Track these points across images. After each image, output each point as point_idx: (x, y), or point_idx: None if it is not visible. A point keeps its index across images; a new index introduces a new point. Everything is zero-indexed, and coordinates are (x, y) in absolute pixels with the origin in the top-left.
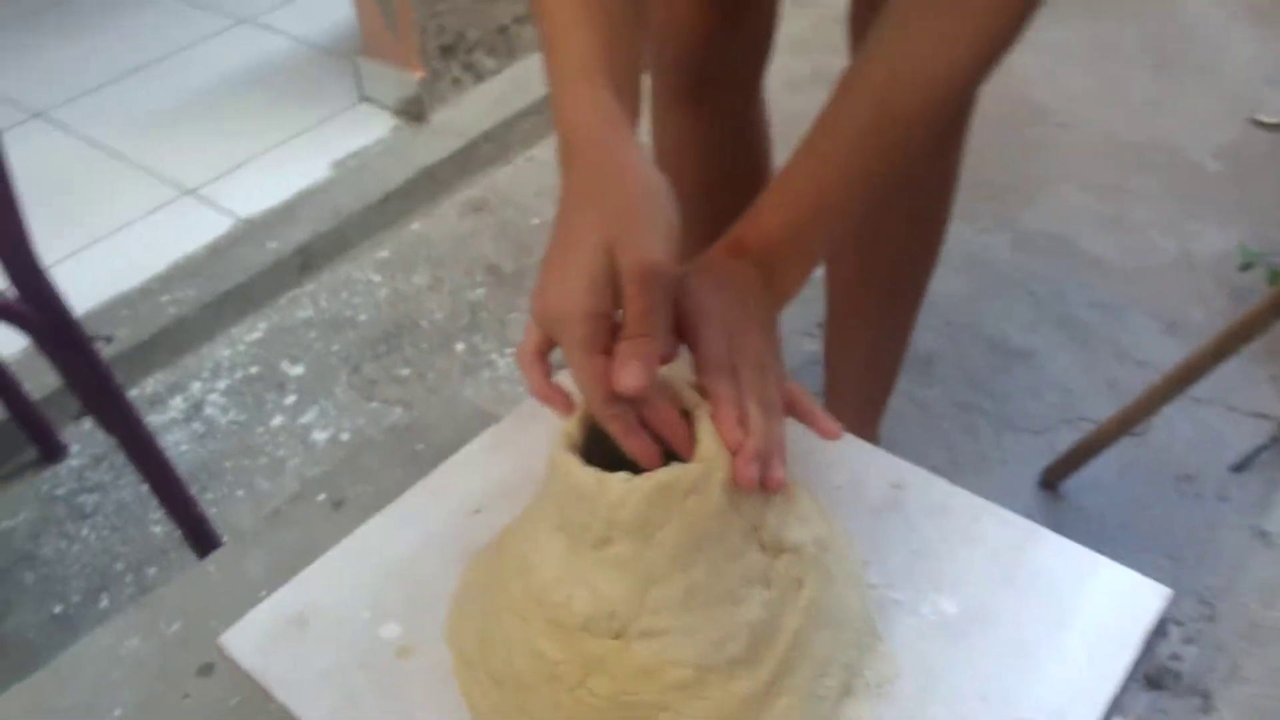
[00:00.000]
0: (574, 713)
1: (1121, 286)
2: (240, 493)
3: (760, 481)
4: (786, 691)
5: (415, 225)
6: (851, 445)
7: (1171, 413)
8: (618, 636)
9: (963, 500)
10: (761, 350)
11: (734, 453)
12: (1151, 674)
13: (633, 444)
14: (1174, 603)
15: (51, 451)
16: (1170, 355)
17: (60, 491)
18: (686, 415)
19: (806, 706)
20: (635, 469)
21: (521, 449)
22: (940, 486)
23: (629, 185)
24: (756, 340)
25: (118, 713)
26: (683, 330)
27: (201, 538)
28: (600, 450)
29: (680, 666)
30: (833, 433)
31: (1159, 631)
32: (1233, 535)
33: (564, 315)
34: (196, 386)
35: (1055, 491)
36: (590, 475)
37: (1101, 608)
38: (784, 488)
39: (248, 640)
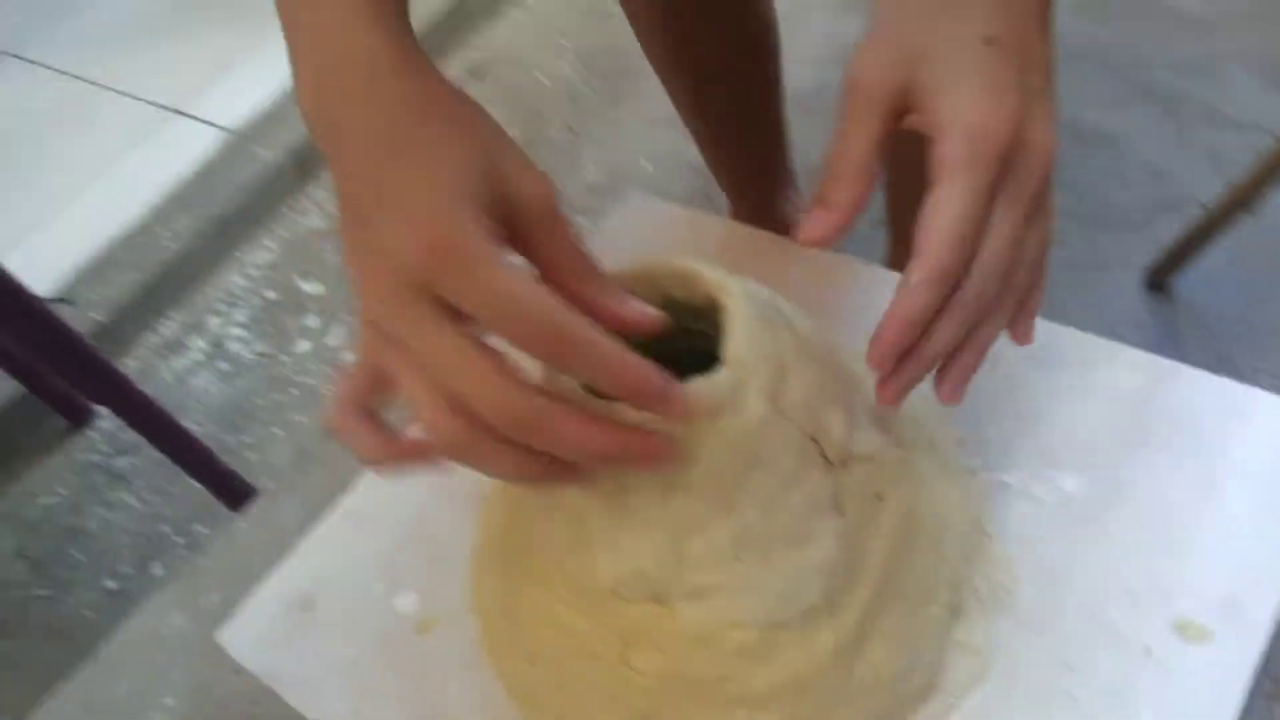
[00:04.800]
0: (618, 694)
1: (1209, 40)
2: (277, 430)
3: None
4: (881, 634)
5: None
6: None
7: None
8: (659, 601)
9: (1070, 340)
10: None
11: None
12: None
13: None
14: None
15: (78, 417)
16: (1278, 112)
17: (94, 458)
18: (711, 306)
19: (906, 644)
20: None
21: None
22: (1039, 326)
23: (469, 110)
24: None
25: (170, 701)
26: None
27: (235, 491)
28: None
29: (741, 629)
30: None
31: None
32: None
33: (454, 244)
34: (214, 322)
35: (1165, 292)
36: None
37: (1264, 457)
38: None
39: (248, 634)
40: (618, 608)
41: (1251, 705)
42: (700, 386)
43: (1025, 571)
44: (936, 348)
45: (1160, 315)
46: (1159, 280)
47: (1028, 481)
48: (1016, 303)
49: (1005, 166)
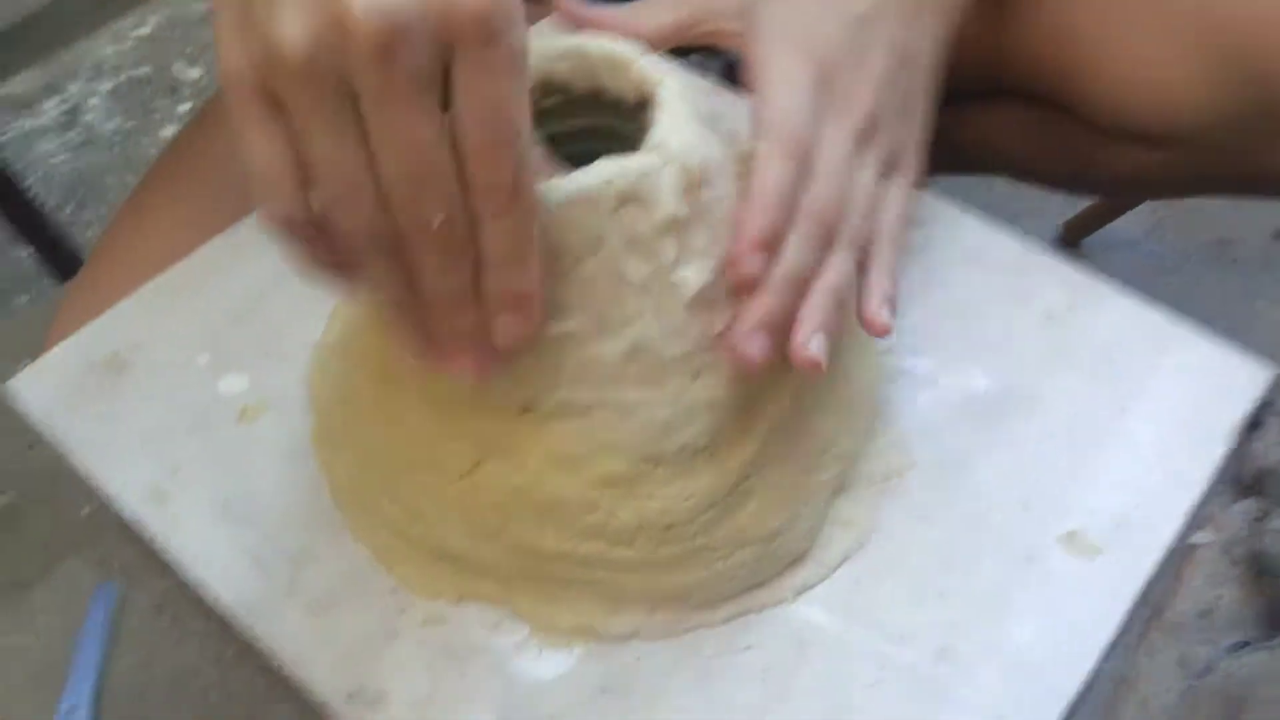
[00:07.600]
0: (461, 508)
1: None
2: None
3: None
4: (762, 489)
5: None
6: None
7: None
8: (525, 410)
9: (1005, 247)
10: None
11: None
12: (1246, 478)
13: None
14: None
15: None
16: None
17: None
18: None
19: (784, 509)
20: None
21: None
22: (977, 229)
23: None
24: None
25: None
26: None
27: (65, 264)
28: None
29: (612, 455)
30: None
31: (1255, 425)
32: (1274, 309)
33: None
34: (74, 88)
35: (1077, 249)
36: None
37: (1181, 390)
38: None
39: (43, 388)
40: (478, 415)
41: (1130, 627)
42: (608, 169)
43: (920, 459)
44: (790, 268)
45: None
46: (1072, 237)
47: (936, 371)
48: (861, 249)
49: (825, 86)
